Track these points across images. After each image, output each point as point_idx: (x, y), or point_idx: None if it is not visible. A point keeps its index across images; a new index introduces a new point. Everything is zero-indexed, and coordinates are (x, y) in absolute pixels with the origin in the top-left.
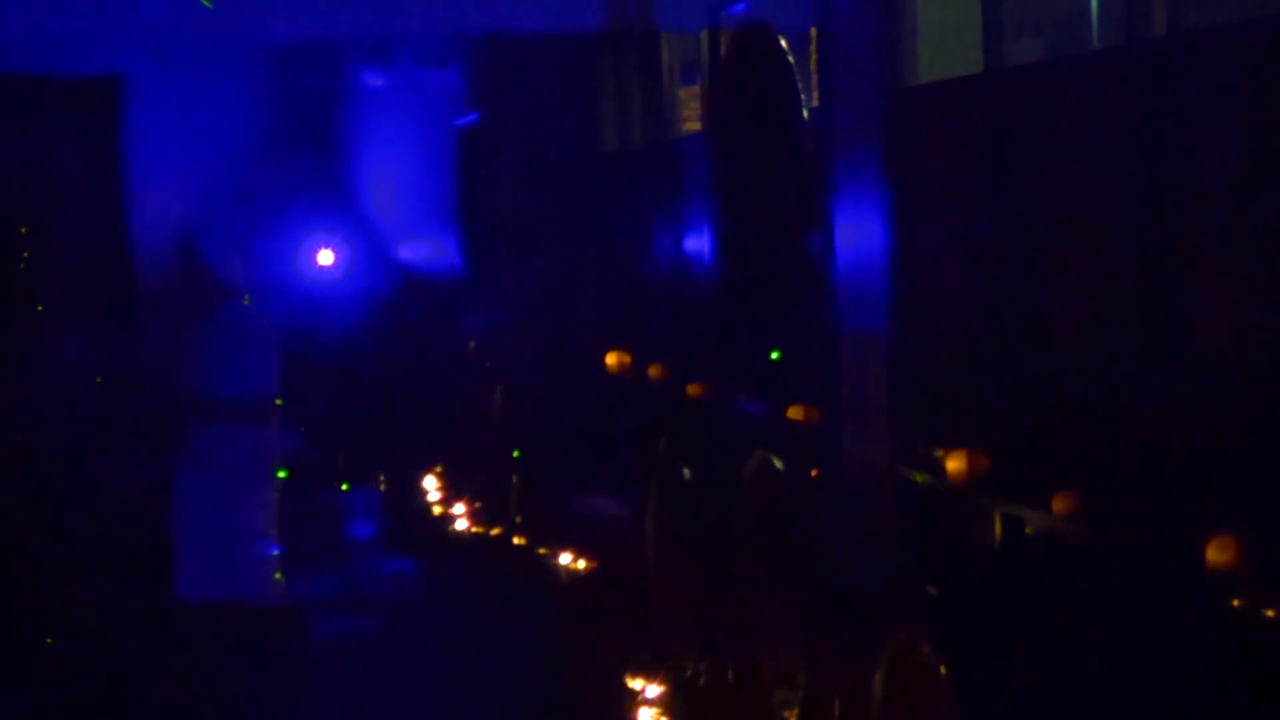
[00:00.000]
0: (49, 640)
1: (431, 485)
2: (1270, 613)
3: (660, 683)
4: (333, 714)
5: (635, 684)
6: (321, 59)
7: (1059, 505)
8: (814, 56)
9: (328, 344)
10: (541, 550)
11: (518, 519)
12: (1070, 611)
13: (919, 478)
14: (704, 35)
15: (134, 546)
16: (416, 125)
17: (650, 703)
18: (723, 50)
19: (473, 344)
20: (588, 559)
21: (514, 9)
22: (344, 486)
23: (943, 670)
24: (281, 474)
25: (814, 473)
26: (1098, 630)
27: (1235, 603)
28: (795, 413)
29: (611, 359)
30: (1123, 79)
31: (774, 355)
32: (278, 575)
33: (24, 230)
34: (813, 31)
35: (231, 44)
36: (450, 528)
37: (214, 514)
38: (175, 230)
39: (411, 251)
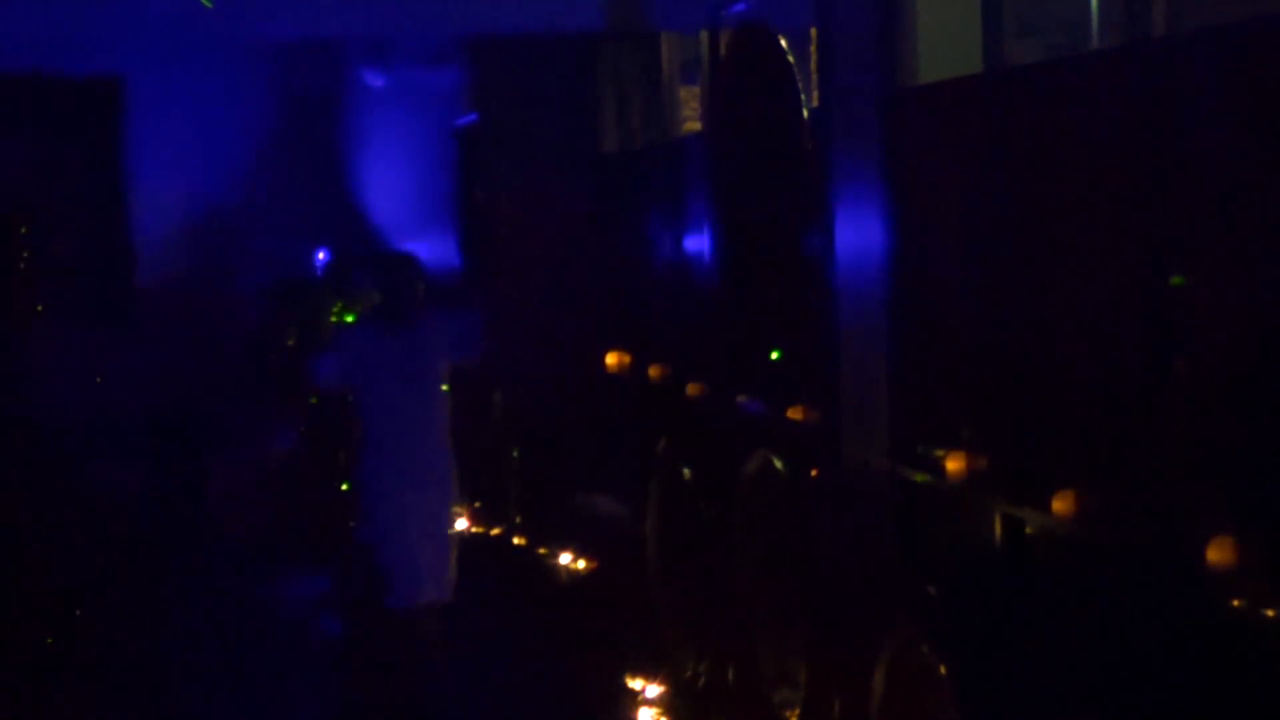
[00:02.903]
0: (50, 640)
1: None
2: (1270, 613)
3: (660, 683)
4: (332, 713)
5: (635, 684)
6: (321, 59)
7: (1059, 505)
8: (814, 56)
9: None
10: (541, 550)
11: (518, 519)
12: (1070, 611)
13: (919, 478)
14: (704, 35)
15: (134, 547)
16: (416, 125)
17: (650, 703)
18: (723, 50)
19: None
20: (588, 559)
21: (514, 9)
22: (344, 486)
23: (943, 670)
24: None
25: (814, 473)
26: (1098, 630)
27: (1235, 603)
28: (795, 413)
29: (611, 359)
30: (1123, 79)
31: (774, 355)
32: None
33: (24, 230)
34: (813, 31)
35: (231, 44)
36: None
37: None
38: (175, 231)
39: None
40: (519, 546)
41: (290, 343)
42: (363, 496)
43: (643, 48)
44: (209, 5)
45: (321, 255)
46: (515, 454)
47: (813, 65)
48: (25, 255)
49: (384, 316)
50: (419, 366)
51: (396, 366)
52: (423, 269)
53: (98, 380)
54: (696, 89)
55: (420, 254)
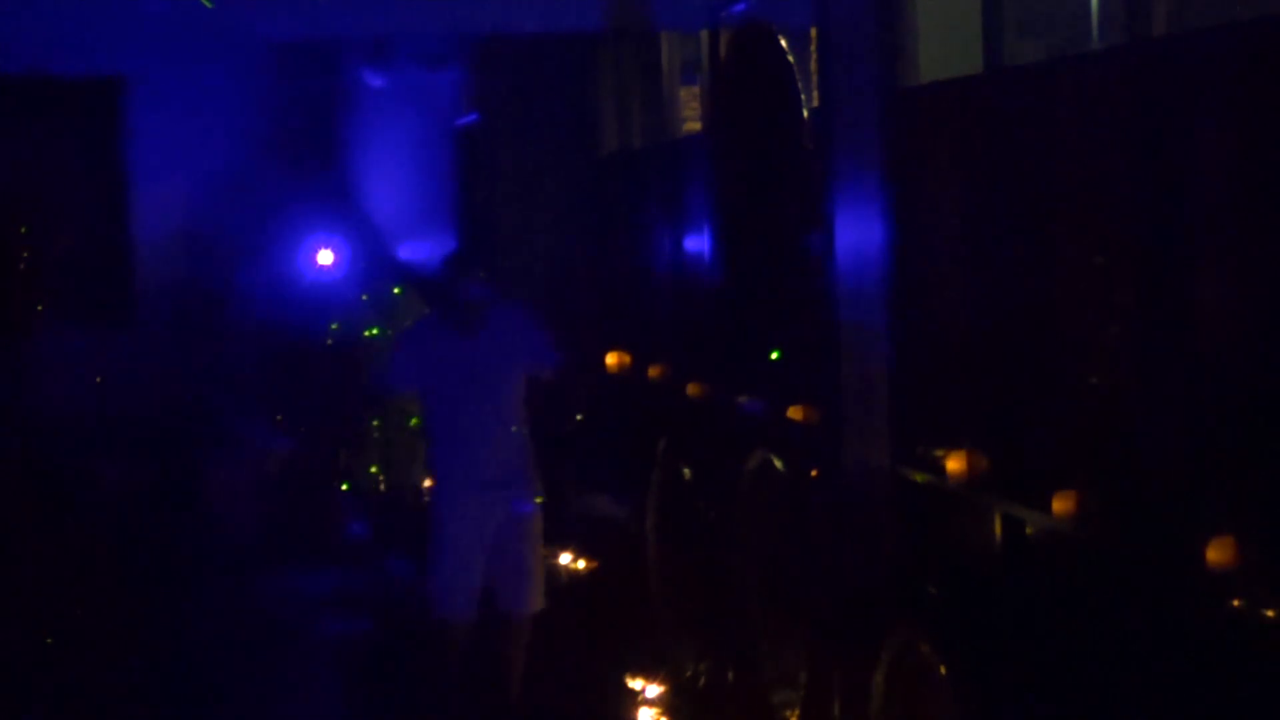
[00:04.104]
0: (49, 640)
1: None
2: (1270, 613)
3: (660, 683)
4: (331, 714)
5: (635, 684)
6: (321, 59)
7: (1059, 505)
8: (814, 56)
9: (326, 343)
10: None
11: None
12: (1070, 611)
13: (919, 478)
14: (704, 35)
15: (133, 547)
16: (416, 125)
17: (650, 703)
18: (723, 50)
19: None
20: (588, 559)
21: (514, 9)
22: (344, 486)
23: (943, 670)
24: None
25: (814, 473)
26: (1097, 630)
27: (1235, 603)
28: (795, 413)
29: (611, 359)
30: (1123, 79)
31: (774, 355)
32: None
33: (24, 230)
34: (813, 31)
35: (231, 44)
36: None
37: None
38: (175, 231)
39: (411, 251)
40: None
41: (329, 343)
42: (434, 503)
43: (643, 48)
44: (209, 5)
45: (325, 255)
46: None
47: (813, 65)
48: (25, 255)
49: (452, 319)
50: (492, 371)
51: (468, 370)
52: (484, 267)
53: (98, 380)
54: (696, 89)
55: (420, 254)
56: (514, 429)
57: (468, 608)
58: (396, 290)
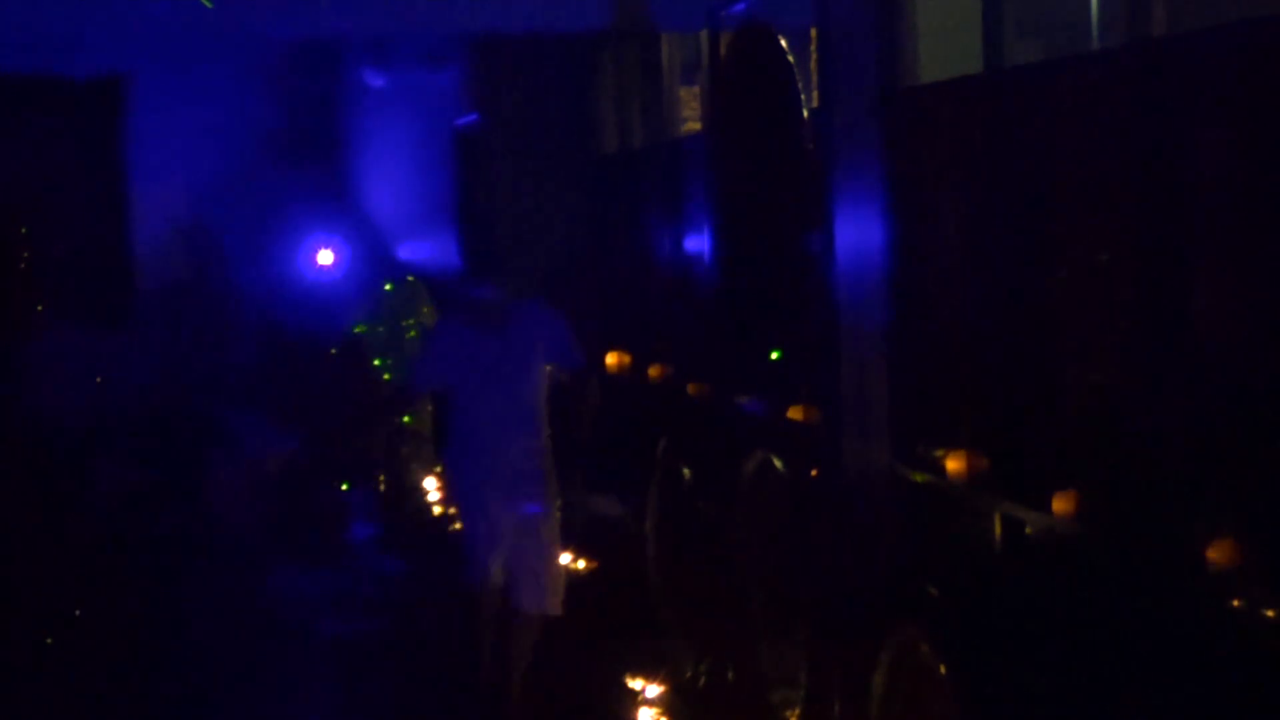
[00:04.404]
0: (49, 640)
1: (431, 485)
2: (1270, 613)
3: (660, 683)
4: (332, 714)
5: (635, 684)
6: (321, 59)
7: (1059, 505)
8: (814, 56)
9: (327, 343)
10: None
11: None
12: (1070, 611)
13: (919, 478)
14: (704, 35)
15: (134, 546)
16: (416, 125)
17: (650, 703)
18: (723, 50)
19: None
20: (588, 559)
21: (514, 9)
22: (344, 486)
23: (943, 670)
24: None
25: (814, 473)
26: (1098, 630)
27: (1235, 603)
28: (795, 413)
29: (611, 359)
30: (1123, 79)
31: (774, 355)
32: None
33: (24, 230)
34: (813, 31)
35: (232, 44)
36: (451, 528)
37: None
38: (175, 231)
39: (411, 251)
40: None
41: (333, 353)
42: (456, 501)
43: (643, 48)
44: (209, 5)
45: (325, 255)
46: None
47: (813, 65)
48: (25, 255)
49: (474, 317)
50: (517, 367)
51: (494, 367)
52: (496, 266)
53: (98, 380)
54: (696, 89)
55: (421, 254)
56: (538, 427)
57: (493, 597)
58: (388, 286)
